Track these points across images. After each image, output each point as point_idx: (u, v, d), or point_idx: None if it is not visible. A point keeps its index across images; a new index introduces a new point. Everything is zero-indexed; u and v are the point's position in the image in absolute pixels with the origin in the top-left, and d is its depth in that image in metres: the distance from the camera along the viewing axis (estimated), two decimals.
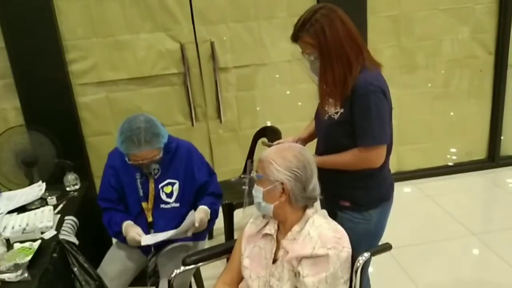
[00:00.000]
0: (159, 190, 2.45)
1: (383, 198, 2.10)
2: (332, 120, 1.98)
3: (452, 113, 4.46)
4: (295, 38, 1.94)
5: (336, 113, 1.97)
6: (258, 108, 4.09)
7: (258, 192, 1.76)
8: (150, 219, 2.45)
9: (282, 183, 1.70)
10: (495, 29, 4.24)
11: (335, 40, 1.87)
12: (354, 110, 1.91)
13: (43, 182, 2.88)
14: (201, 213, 2.41)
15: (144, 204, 2.45)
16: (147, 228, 2.45)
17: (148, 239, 2.30)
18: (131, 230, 2.34)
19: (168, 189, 2.46)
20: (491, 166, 4.63)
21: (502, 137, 4.60)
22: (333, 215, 2.06)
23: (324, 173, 1.97)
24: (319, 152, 2.11)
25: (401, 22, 4.08)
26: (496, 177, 4.52)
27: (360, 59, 1.92)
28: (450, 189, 4.33)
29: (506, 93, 4.44)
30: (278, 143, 2.11)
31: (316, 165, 1.77)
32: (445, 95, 4.40)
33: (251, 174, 1.83)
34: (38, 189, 2.79)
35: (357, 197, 2.06)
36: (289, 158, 1.71)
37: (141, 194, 2.45)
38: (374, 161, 1.96)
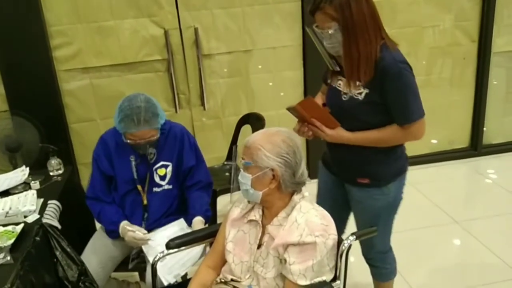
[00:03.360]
0: (153, 173, 2.45)
1: (401, 171, 2.13)
2: (356, 101, 1.97)
3: (435, 102, 4.47)
4: (315, 8, 1.90)
5: (360, 93, 1.95)
6: (241, 95, 4.09)
7: (245, 179, 1.72)
8: (145, 201, 2.45)
9: (272, 169, 1.68)
10: (479, 16, 4.27)
11: (360, 15, 1.86)
12: (387, 90, 1.90)
13: (26, 167, 2.86)
14: (198, 226, 2.39)
15: (139, 187, 2.44)
16: (142, 211, 2.46)
17: (168, 276, 2.22)
18: (128, 230, 2.34)
19: (162, 172, 2.46)
20: (474, 155, 4.67)
21: (484, 126, 4.64)
22: (343, 190, 2.09)
23: (341, 151, 1.96)
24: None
25: (384, 9, 4.07)
26: (478, 165, 4.56)
27: (379, 38, 1.92)
28: (432, 177, 4.37)
29: (489, 82, 4.47)
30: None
31: (300, 149, 1.75)
32: (428, 83, 4.43)
33: (237, 161, 1.81)
34: (21, 173, 2.77)
35: (378, 173, 2.07)
36: (279, 144, 1.69)
37: (135, 177, 2.43)
38: (418, 135, 1.98)
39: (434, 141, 4.66)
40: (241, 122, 3.60)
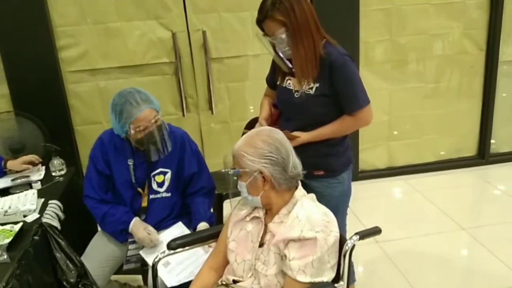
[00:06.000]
0: (151, 179, 2.42)
1: (350, 161, 2.33)
2: (307, 96, 2.14)
3: (442, 109, 4.45)
4: (264, 17, 2.05)
5: (311, 88, 2.12)
6: (250, 100, 4.05)
7: (242, 187, 1.74)
8: (144, 204, 2.42)
9: (260, 172, 1.68)
10: (487, 25, 4.24)
11: (303, 17, 2.02)
12: (335, 81, 2.08)
13: (43, 166, 2.87)
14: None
15: (140, 190, 2.41)
16: (140, 214, 2.42)
17: (172, 279, 2.19)
18: (140, 228, 2.33)
19: (159, 178, 2.43)
20: (481, 163, 4.63)
21: (492, 135, 4.60)
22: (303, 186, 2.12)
23: (295, 149, 2.01)
24: (292, 128, 2.20)
25: (393, 16, 4.06)
26: (485, 174, 4.52)
27: (320, 36, 2.10)
28: (440, 184, 4.33)
29: (497, 90, 4.43)
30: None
31: (289, 142, 1.76)
32: (436, 91, 4.40)
33: (227, 171, 1.81)
34: (37, 173, 2.79)
35: (331, 164, 2.25)
36: (259, 145, 1.69)
37: (134, 180, 2.39)
38: (368, 120, 2.18)
39: (441, 149, 4.62)
40: (248, 126, 3.56)
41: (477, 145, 4.66)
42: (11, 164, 2.69)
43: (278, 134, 1.75)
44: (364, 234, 1.82)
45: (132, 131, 2.25)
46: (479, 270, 3.07)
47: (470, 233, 3.47)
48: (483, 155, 4.63)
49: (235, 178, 1.78)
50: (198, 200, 2.49)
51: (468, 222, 3.63)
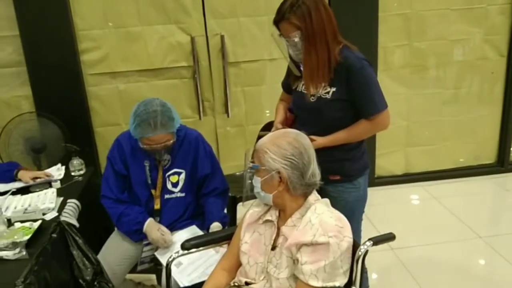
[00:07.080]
0: (166, 179, 2.46)
1: (366, 166, 2.30)
2: (324, 100, 2.12)
3: (462, 115, 4.41)
4: (281, 18, 2.04)
5: (327, 92, 2.11)
6: (266, 104, 4.07)
7: (256, 182, 1.75)
8: (157, 206, 2.47)
9: (278, 172, 1.69)
10: (508, 31, 4.19)
11: (319, 23, 2.01)
12: (352, 86, 2.07)
13: (62, 165, 2.93)
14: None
15: (153, 191, 2.46)
16: (154, 215, 2.47)
17: (184, 279, 2.23)
18: (154, 229, 2.37)
19: (174, 179, 2.47)
20: (500, 171, 4.57)
21: None
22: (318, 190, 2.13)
23: None
24: (307, 132, 2.13)
25: (412, 21, 4.05)
26: (505, 182, 4.46)
27: (336, 43, 2.08)
28: (458, 192, 4.29)
29: None
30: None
31: (313, 150, 1.76)
32: (455, 97, 4.36)
33: (246, 165, 1.82)
34: (57, 172, 2.85)
35: (347, 169, 2.22)
36: (284, 146, 1.70)
37: (149, 181, 2.45)
38: (386, 124, 2.15)
39: (460, 156, 4.57)
40: (264, 130, 3.57)
41: (496, 152, 4.61)
42: (21, 175, 2.70)
43: (305, 139, 1.76)
44: (377, 240, 1.81)
45: (140, 143, 2.34)
46: (496, 280, 3.03)
47: (487, 242, 3.43)
48: (503, 163, 4.57)
49: (252, 172, 1.78)
50: (211, 201, 2.53)
51: (486, 230, 3.59)
